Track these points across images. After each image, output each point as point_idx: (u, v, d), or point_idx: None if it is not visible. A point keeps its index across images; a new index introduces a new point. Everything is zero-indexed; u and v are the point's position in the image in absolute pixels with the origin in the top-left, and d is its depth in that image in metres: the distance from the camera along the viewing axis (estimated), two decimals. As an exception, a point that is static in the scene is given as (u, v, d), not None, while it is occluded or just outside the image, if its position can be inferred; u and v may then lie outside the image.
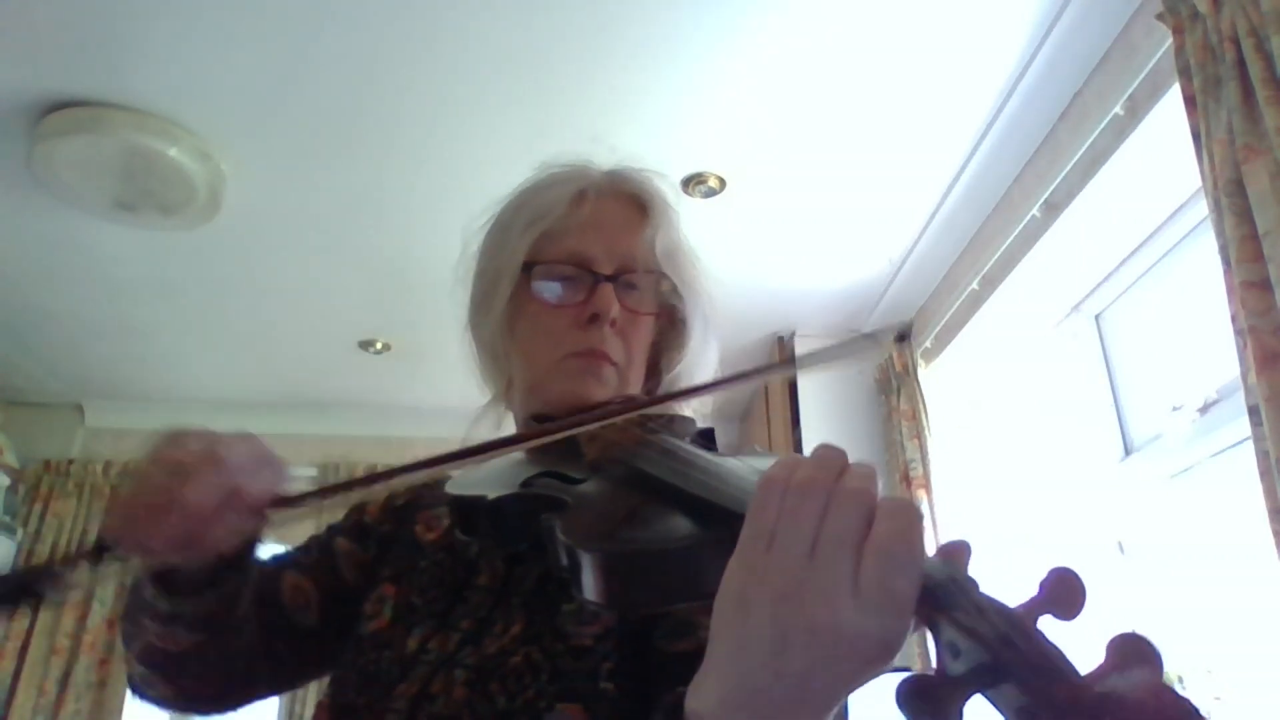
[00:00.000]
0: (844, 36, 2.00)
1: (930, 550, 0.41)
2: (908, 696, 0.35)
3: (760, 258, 2.87)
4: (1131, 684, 0.33)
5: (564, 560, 0.52)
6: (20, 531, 3.70)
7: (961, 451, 2.85)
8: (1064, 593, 0.38)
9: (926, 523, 2.68)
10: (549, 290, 0.80)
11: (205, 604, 0.70)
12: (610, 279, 0.78)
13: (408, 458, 0.63)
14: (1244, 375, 1.43)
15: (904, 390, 2.95)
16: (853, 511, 0.39)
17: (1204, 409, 1.98)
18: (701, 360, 0.87)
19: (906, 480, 2.84)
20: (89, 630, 3.55)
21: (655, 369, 0.87)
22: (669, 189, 0.87)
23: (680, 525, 0.51)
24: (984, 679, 0.35)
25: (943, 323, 2.83)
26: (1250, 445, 1.41)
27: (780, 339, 3.37)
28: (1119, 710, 0.31)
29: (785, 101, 2.20)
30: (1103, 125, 1.96)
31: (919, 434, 2.84)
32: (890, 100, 2.20)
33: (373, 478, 0.66)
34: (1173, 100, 1.71)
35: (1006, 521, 2.72)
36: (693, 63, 2.08)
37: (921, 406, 2.86)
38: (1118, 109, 1.91)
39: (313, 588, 0.83)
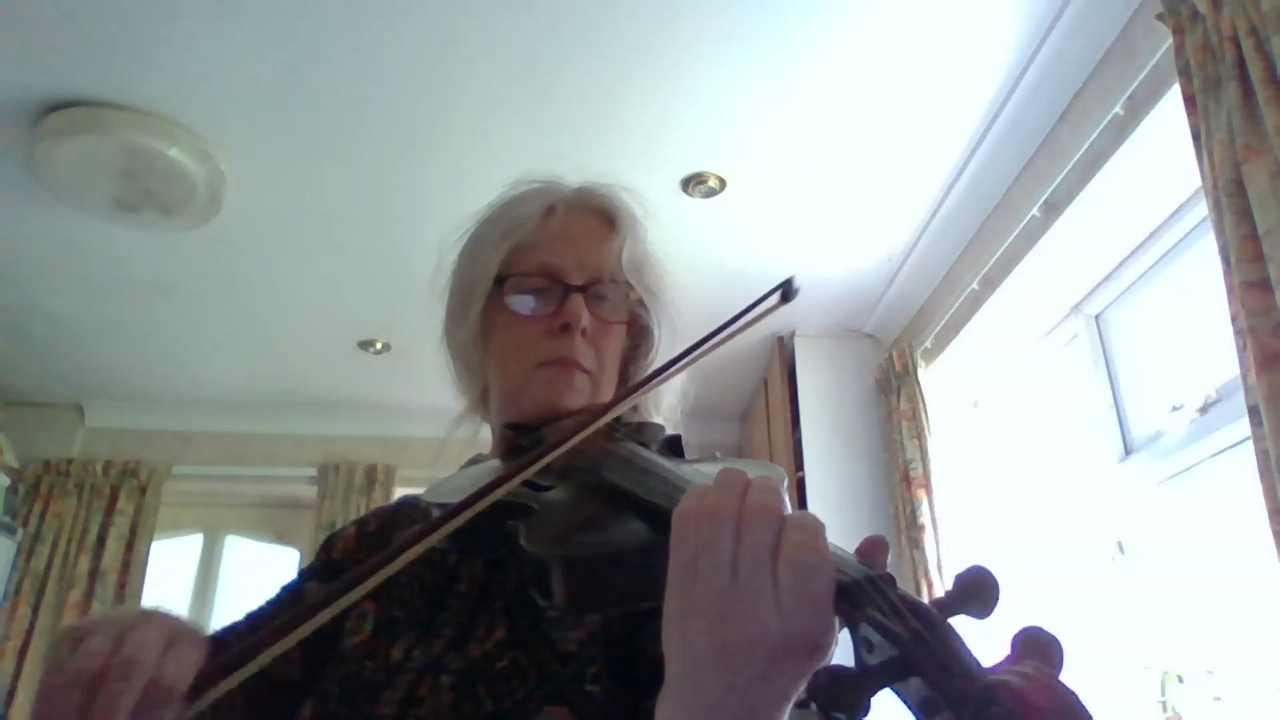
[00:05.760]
0: (843, 36, 2.00)
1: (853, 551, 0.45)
2: (818, 687, 0.38)
3: (760, 257, 2.87)
4: (1022, 675, 0.34)
5: (531, 565, 0.53)
6: (20, 531, 3.70)
7: (961, 451, 2.85)
8: (977, 591, 0.40)
9: (926, 523, 2.68)
10: (521, 302, 0.82)
11: None
12: (580, 289, 0.81)
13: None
14: (1244, 375, 1.43)
15: (904, 390, 2.95)
16: (761, 530, 0.43)
17: (1204, 409, 1.98)
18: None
19: (906, 480, 2.83)
20: (89, 630, 3.54)
21: (626, 378, 0.89)
22: (637, 204, 0.90)
23: (636, 530, 0.54)
24: (893, 673, 0.38)
25: (943, 323, 2.83)
26: (1250, 445, 1.41)
27: (780, 339, 3.37)
28: (1004, 700, 0.33)
29: (785, 101, 2.20)
30: (1103, 125, 1.96)
31: (919, 434, 2.84)
32: (890, 100, 2.20)
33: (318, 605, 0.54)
34: (1173, 100, 1.71)
35: (1006, 522, 2.72)
36: (693, 63, 2.08)
37: (921, 406, 2.86)
38: (1118, 109, 1.91)
39: None
